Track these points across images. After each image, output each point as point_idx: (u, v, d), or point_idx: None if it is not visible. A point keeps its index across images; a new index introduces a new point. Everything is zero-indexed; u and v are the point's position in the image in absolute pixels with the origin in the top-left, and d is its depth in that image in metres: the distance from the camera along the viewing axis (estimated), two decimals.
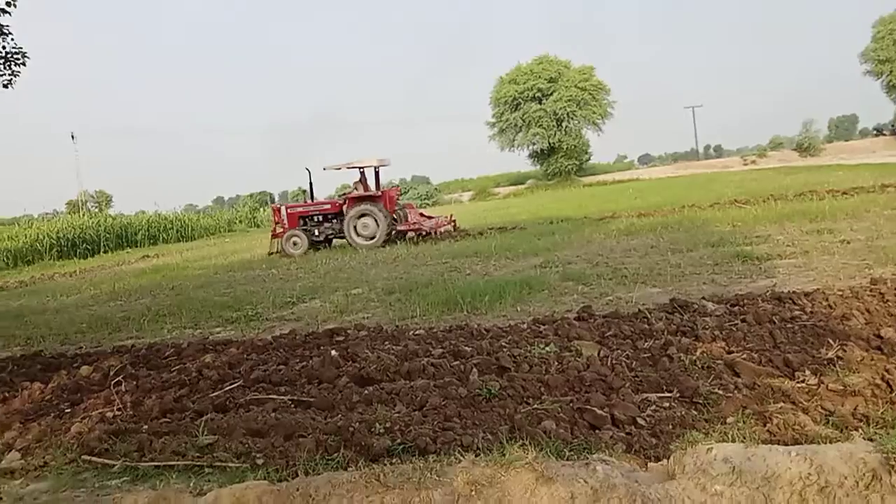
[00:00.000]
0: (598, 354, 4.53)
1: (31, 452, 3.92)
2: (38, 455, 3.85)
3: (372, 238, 16.34)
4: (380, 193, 17.11)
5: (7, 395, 5.37)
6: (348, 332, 6.21)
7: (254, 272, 13.44)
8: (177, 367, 5.55)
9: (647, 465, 2.56)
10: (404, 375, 4.56)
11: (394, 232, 16.73)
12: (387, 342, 5.60)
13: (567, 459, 2.51)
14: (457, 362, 4.66)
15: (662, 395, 3.70)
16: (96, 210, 35.29)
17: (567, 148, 55.66)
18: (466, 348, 5.00)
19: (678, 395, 3.65)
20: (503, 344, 5.00)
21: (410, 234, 16.83)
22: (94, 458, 3.68)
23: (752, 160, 59.33)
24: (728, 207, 14.82)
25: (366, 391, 4.29)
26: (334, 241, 17.73)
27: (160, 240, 35.09)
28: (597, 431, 3.30)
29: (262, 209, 48.93)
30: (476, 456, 2.52)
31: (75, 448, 3.86)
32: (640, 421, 3.38)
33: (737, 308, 5.31)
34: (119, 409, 4.53)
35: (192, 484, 3.02)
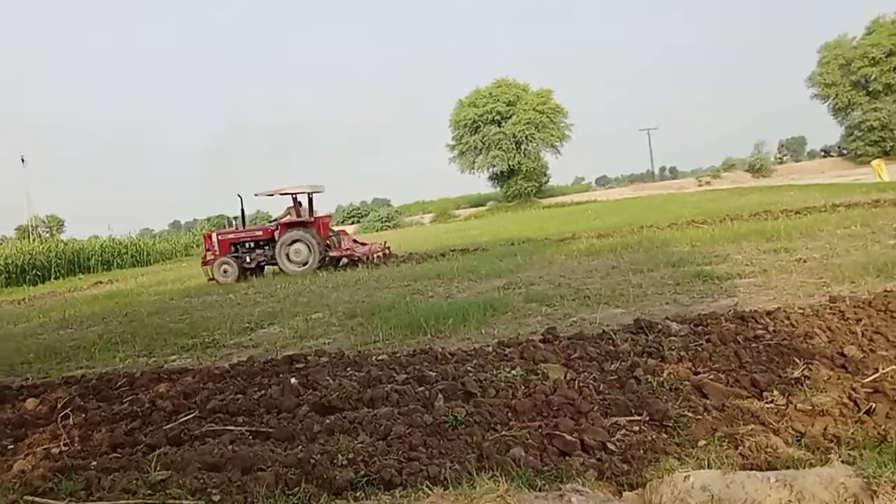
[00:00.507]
0: (565, 377, 4.46)
1: None
2: None
3: (305, 264, 16.24)
4: (312, 220, 17.07)
5: None
6: (309, 358, 6.04)
7: (211, 297, 13.12)
8: (129, 398, 5.31)
9: (620, 493, 2.49)
10: (367, 403, 4.42)
11: (326, 258, 16.61)
12: (349, 368, 5.45)
13: (539, 490, 2.42)
14: (421, 388, 4.54)
15: (632, 418, 3.64)
16: (47, 235, 34.24)
17: (526, 170, 56.33)
18: (431, 373, 4.89)
19: (647, 417, 3.59)
20: (468, 368, 4.90)
21: (344, 260, 16.72)
22: (36, 499, 3.46)
23: (707, 181, 60.74)
24: (686, 228, 15.04)
25: (327, 420, 4.14)
26: (266, 268, 17.52)
27: (114, 265, 34.24)
28: (567, 458, 3.21)
29: None
30: (444, 489, 2.41)
31: (17, 488, 3.62)
32: (610, 446, 3.30)
33: (700, 328, 5.31)
34: (66, 445, 4.29)
35: None
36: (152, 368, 6.54)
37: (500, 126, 56.17)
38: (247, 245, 17.28)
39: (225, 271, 16.62)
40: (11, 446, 4.51)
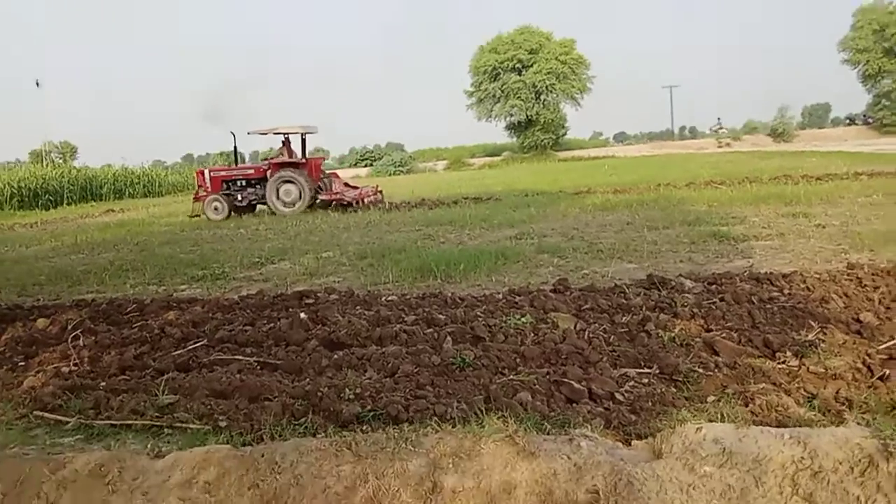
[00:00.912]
0: (575, 327, 4.44)
1: None
2: None
3: (294, 205, 16.23)
4: (304, 161, 17.00)
5: None
6: (318, 294, 6.03)
7: (221, 231, 13.15)
8: (138, 324, 5.34)
9: (628, 442, 2.47)
10: (376, 341, 4.42)
11: (317, 200, 16.56)
12: (358, 307, 5.45)
13: (548, 433, 2.41)
14: (430, 330, 4.53)
15: (641, 370, 3.61)
16: (60, 161, 34.20)
17: (544, 121, 55.36)
18: (440, 316, 4.87)
19: (657, 371, 3.57)
20: (478, 314, 4.88)
21: (334, 203, 16.57)
22: (46, 415, 3.50)
23: (727, 142, 59.76)
24: (704, 188, 14.82)
25: (335, 356, 4.14)
26: (258, 207, 17.37)
27: (126, 194, 34.24)
28: (574, 405, 3.20)
29: None
30: (452, 426, 2.40)
31: (27, 403, 3.68)
32: (618, 396, 3.29)
33: (714, 287, 5.25)
34: (76, 365, 4.33)
35: (149, 445, 2.86)
36: (162, 296, 6.57)
37: (520, 74, 55.05)
38: (238, 183, 17.19)
39: (216, 208, 16.62)
40: (22, 363, 4.56)
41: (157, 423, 3.23)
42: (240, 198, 16.95)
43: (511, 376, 3.55)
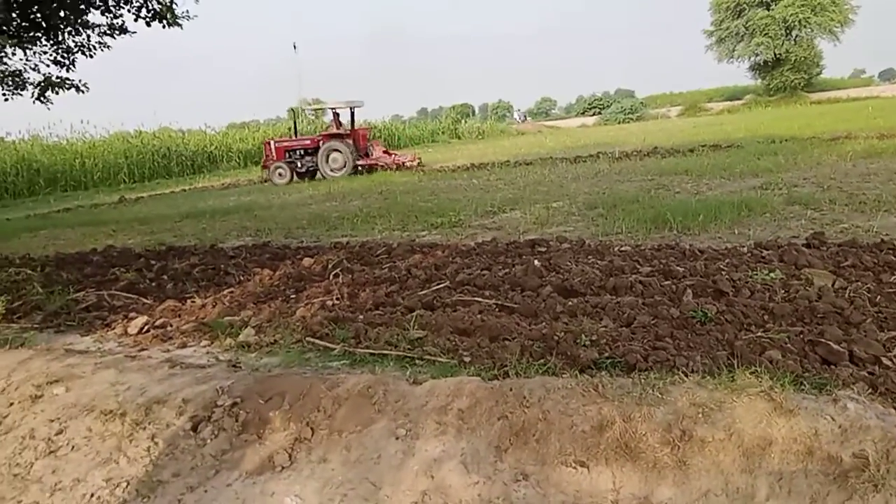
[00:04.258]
0: (833, 285, 4.06)
1: (263, 330, 4.32)
2: (269, 333, 4.25)
3: (340, 170, 18.55)
4: (349, 132, 19.32)
5: (243, 278, 5.99)
6: (550, 243, 6.13)
7: (456, 181, 13.74)
8: (387, 265, 5.84)
9: None
10: (610, 291, 4.41)
11: (358, 166, 18.62)
12: (590, 256, 5.45)
13: (806, 393, 2.26)
14: (668, 282, 4.42)
15: None
16: (313, 117, 37.73)
17: (795, 60, 49.42)
18: (678, 268, 4.72)
19: None
20: (720, 267, 4.66)
21: (378, 167, 18.59)
22: (316, 341, 4.00)
23: None
24: None
25: (570, 302, 4.21)
26: (317, 173, 19.23)
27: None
28: (831, 367, 2.96)
29: (463, 121, 49.56)
30: (701, 377, 2.35)
31: (300, 330, 4.20)
32: (885, 361, 2.97)
33: None
34: (337, 299, 4.86)
35: (407, 373, 3.17)
36: (406, 241, 7.09)
37: (768, 9, 49.57)
38: (298, 152, 19.37)
39: (280, 174, 18.90)
40: (293, 296, 5.22)
41: (409, 355, 3.55)
42: (299, 165, 19.17)
43: (758, 333, 3.36)
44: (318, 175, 19.05)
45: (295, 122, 21.93)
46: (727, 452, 1.99)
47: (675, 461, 2.03)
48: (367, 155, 19.24)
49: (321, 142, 19.16)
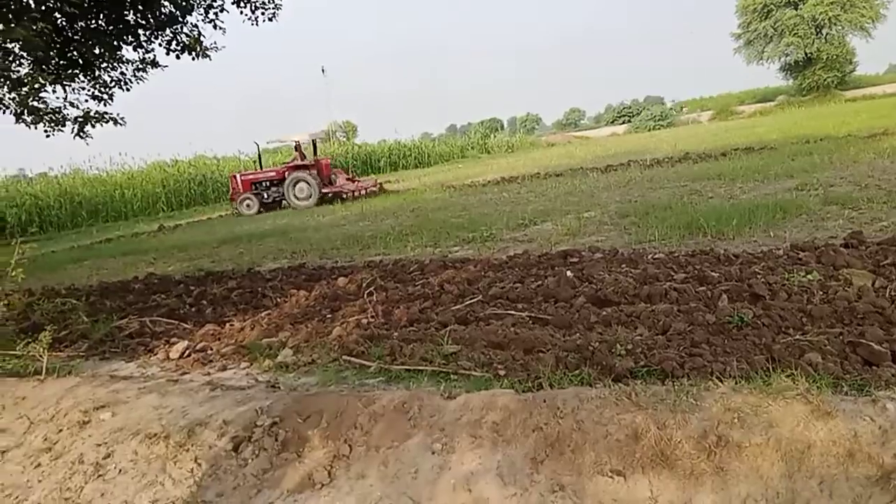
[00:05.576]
0: (873, 285, 3.98)
1: (300, 351, 4.39)
2: (306, 353, 4.32)
3: (307, 199, 19.26)
4: (312, 162, 20.15)
5: (280, 300, 6.08)
6: (582, 253, 6.11)
7: (486, 196, 13.77)
8: (420, 282, 5.88)
9: None
10: (644, 299, 4.38)
11: (326, 195, 19.27)
12: (623, 265, 5.42)
13: (845, 395, 2.22)
14: (703, 288, 4.37)
15: None
16: (344, 139, 38.28)
17: (827, 58, 48.55)
18: (713, 274, 4.67)
19: None
20: (756, 270, 4.60)
21: (343, 193, 19.17)
22: (353, 359, 4.05)
23: None
24: None
25: (604, 312, 4.20)
26: (283, 202, 19.99)
27: (399, 166, 37.36)
28: (873, 368, 2.90)
29: (492, 135, 49.69)
30: (736, 383, 2.32)
31: (337, 349, 4.26)
32: None
33: None
34: (372, 317, 4.91)
35: (441, 388, 3.19)
36: (438, 257, 7.13)
37: (796, 9, 48.87)
38: (264, 184, 20.39)
39: (248, 205, 19.91)
40: (329, 315, 5.29)
41: (444, 370, 3.57)
42: (266, 196, 20.14)
43: (797, 336, 3.31)
44: (284, 204, 19.92)
45: (259, 155, 23.28)
46: (765, 457, 1.96)
47: (713, 467, 2.01)
48: (331, 183, 20.05)
49: (286, 173, 20.00)
